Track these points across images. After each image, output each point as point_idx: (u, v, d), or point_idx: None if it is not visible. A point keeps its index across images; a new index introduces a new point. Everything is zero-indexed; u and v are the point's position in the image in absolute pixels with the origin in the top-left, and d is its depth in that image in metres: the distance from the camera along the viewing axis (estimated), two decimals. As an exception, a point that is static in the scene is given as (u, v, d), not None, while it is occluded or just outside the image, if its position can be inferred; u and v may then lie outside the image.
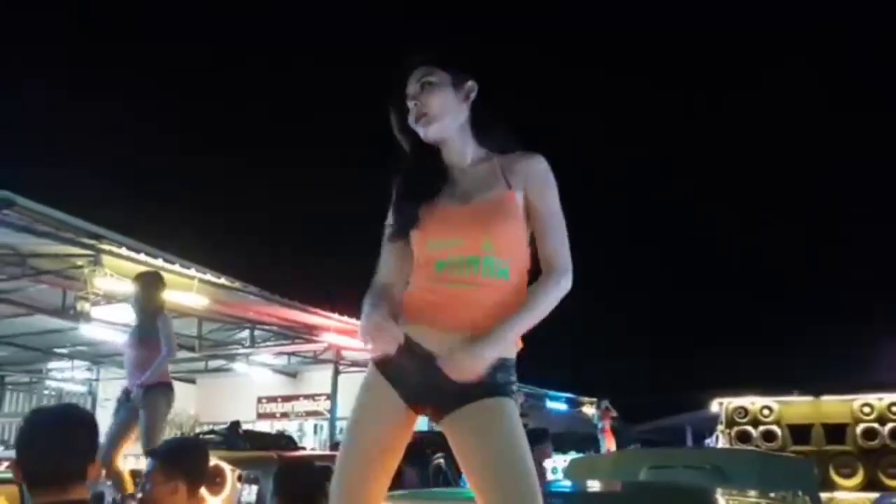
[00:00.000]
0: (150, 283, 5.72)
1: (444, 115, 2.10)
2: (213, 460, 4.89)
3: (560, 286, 2.02)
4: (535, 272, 2.07)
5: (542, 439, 6.78)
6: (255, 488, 5.62)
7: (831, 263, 31.33)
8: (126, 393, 5.43)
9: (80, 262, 8.84)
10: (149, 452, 2.93)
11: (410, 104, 2.10)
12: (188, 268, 9.58)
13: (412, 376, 1.99)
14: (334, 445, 11.18)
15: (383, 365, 2.02)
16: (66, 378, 17.21)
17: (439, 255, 2.01)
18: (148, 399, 5.24)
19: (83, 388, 17.39)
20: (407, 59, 2.17)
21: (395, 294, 2.10)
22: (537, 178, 2.07)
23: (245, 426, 8.75)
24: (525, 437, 1.94)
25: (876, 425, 8.22)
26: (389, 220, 2.14)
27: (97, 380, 16.81)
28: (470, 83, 2.15)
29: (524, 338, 2.06)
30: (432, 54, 2.16)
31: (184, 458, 3.01)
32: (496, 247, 1.99)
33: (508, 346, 1.99)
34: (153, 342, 5.41)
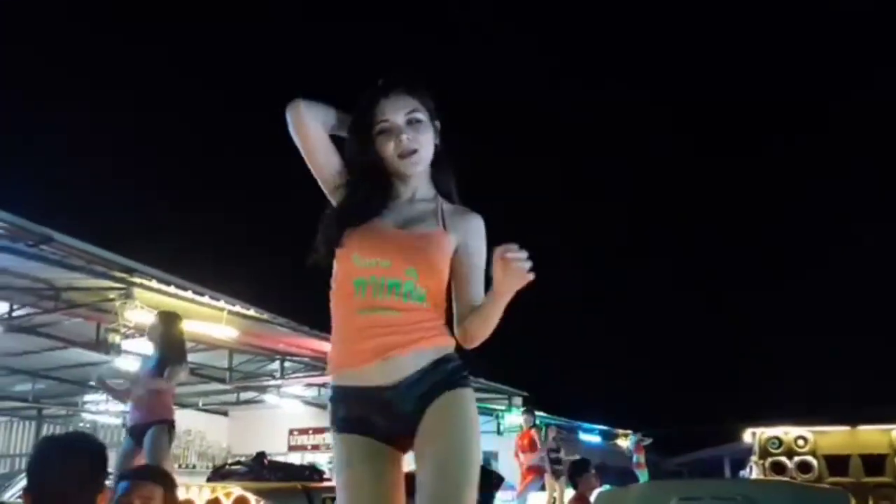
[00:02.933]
0: (168, 321, 5.81)
1: (429, 152, 2.15)
2: (239, 490, 4.90)
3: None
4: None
5: (585, 469, 6.69)
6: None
7: (868, 288, 30.73)
8: (130, 430, 5.49)
9: (111, 295, 8.98)
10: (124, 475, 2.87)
11: (403, 137, 2.09)
12: (217, 300, 9.67)
13: (373, 419, 2.03)
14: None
15: (344, 428, 2.07)
16: (100, 410, 17.38)
17: (361, 273, 2.03)
18: (151, 437, 5.27)
19: (117, 421, 17.54)
20: (381, 81, 2.17)
21: None
22: (476, 232, 2.15)
23: (277, 458, 8.77)
24: (473, 430, 2.00)
25: (915, 456, 7.99)
26: (317, 241, 2.16)
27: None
28: (438, 123, 2.20)
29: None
30: (414, 85, 2.17)
31: (154, 470, 3.05)
32: (419, 274, 2.03)
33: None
34: (161, 382, 5.45)
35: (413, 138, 2.10)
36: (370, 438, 2.02)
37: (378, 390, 2.00)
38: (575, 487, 6.62)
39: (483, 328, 2.06)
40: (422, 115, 2.13)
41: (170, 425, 5.44)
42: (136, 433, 5.42)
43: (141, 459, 5.27)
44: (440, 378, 2.02)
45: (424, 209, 2.15)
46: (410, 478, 2.02)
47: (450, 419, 1.98)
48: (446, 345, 2.08)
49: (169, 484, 2.94)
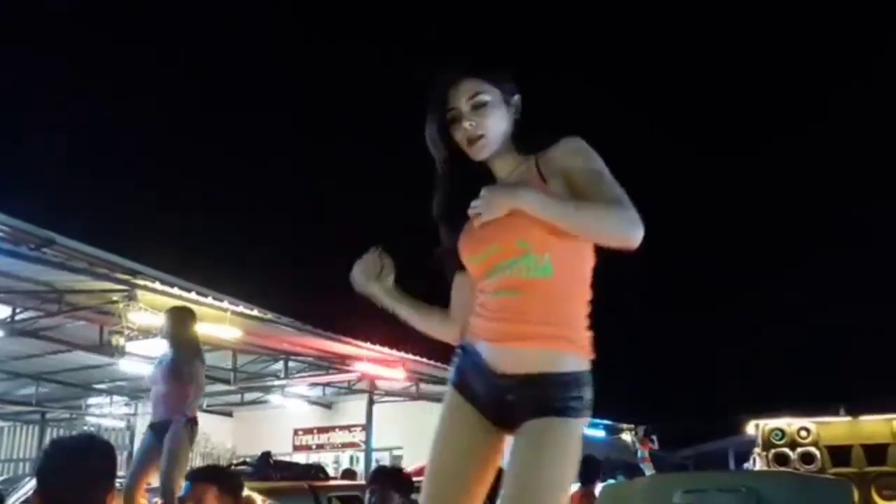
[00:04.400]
0: (180, 318, 5.78)
1: (499, 137, 2.03)
2: (245, 491, 4.92)
3: (625, 216, 1.82)
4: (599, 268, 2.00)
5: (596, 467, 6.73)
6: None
7: (865, 279, 30.75)
8: (151, 426, 5.48)
9: (115, 298, 9.01)
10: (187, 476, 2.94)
11: (466, 124, 2.00)
12: (221, 300, 9.69)
13: (483, 394, 1.97)
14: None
15: (460, 387, 2.01)
16: (104, 413, 17.43)
17: (485, 268, 1.98)
18: (171, 433, 5.27)
19: (122, 424, 17.60)
20: (446, 69, 2.09)
21: (444, 319, 2.17)
22: (568, 152, 1.96)
23: (282, 458, 8.81)
24: (571, 466, 1.87)
25: (918, 445, 8.03)
26: (442, 251, 2.14)
27: (135, 414, 17.02)
28: (517, 98, 2.08)
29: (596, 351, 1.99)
30: (478, 66, 2.07)
31: (216, 472, 3.08)
32: (532, 243, 1.90)
33: (554, 212, 1.83)
34: (182, 378, 5.43)
35: (478, 123, 2.00)
36: (476, 411, 1.98)
37: (494, 373, 1.93)
38: (584, 483, 6.59)
39: (592, 234, 1.88)
40: (487, 97, 2.01)
41: (191, 421, 5.43)
42: (156, 429, 5.41)
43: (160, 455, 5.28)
44: (556, 397, 1.88)
45: (523, 174, 2.02)
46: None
47: (546, 449, 1.84)
48: (580, 356, 1.94)
49: (224, 480, 2.98)
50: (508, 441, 1.97)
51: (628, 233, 1.81)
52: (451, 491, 1.97)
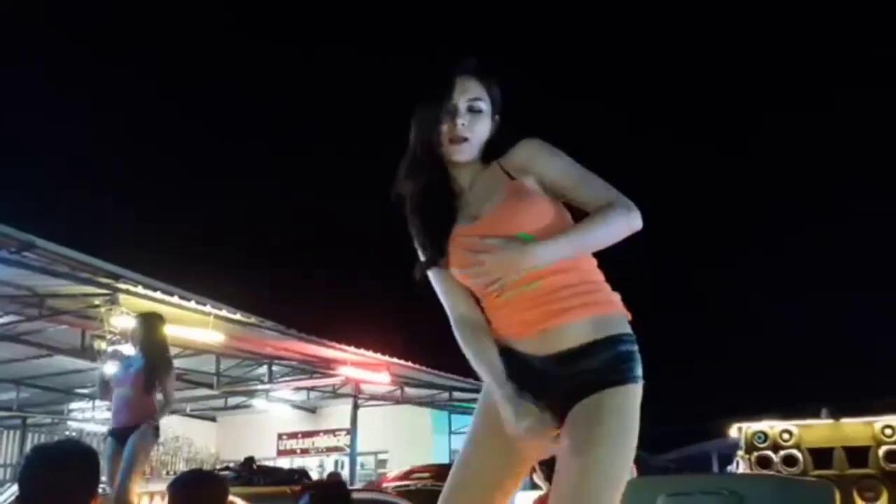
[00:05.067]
0: (150, 323, 5.76)
1: (479, 147, 2.04)
2: (229, 496, 4.89)
3: (620, 211, 1.88)
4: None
5: None
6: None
7: (849, 282, 31.04)
8: (112, 432, 5.46)
9: (97, 302, 8.95)
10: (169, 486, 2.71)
11: (459, 121, 1.99)
12: (203, 304, 9.66)
13: (522, 384, 1.90)
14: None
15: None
16: (87, 418, 17.29)
17: (486, 281, 1.94)
18: (134, 439, 5.25)
19: (104, 428, 17.43)
20: (452, 64, 2.07)
21: (475, 319, 2.02)
22: (534, 154, 1.97)
23: (266, 463, 8.76)
24: (630, 436, 1.82)
25: (898, 447, 8.09)
26: (420, 253, 2.06)
27: (118, 419, 16.89)
28: (498, 118, 2.07)
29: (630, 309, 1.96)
30: (484, 70, 2.06)
31: (203, 489, 2.80)
32: (529, 232, 1.88)
33: (567, 251, 1.86)
34: (150, 388, 5.40)
35: (468, 126, 2.00)
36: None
37: (531, 358, 1.90)
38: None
39: (608, 244, 1.90)
40: (483, 105, 2.02)
41: (155, 428, 5.40)
42: (117, 434, 5.38)
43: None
44: (606, 365, 1.85)
45: (486, 181, 2.02)
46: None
47: (598, 426, 1.78)
48: (609, 313, 1.91)
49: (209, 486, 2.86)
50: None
51: (633, 224, 1.90)
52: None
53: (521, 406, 1.85)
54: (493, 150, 2.05)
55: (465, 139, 2.00)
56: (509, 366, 1.93)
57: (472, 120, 2.00)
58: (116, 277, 8.78)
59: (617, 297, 1.97)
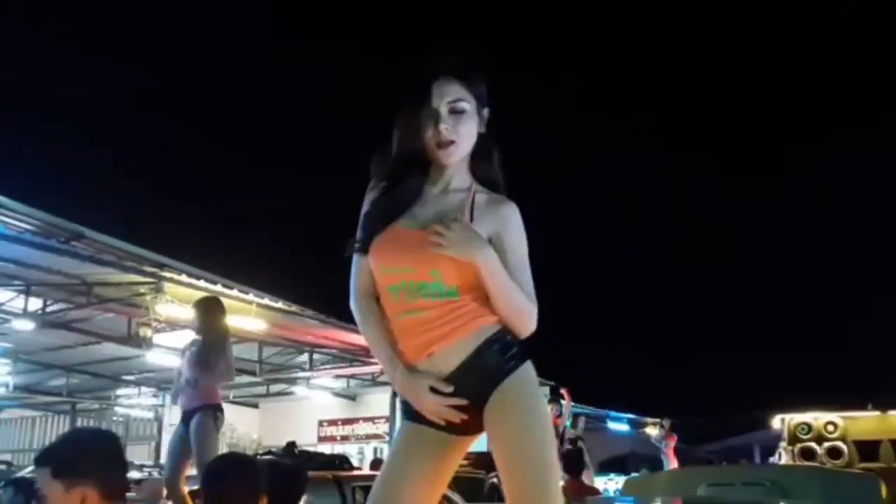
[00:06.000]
0: (209, 308, 5.82)
1: (468, 148, 2.06)
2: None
3: (530, 303, 2.01)
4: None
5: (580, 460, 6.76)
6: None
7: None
8: (183, 416, 5.54)
9: (142, 290, 9.12)
10: (39, 457, 2.30)
11: (442, 127, 1.99)
12: (246, 293, 9.78)
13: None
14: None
15: (406, 415, 2.06)
16: (133, 404, 17.64)
17: (390, 280, 2.00)
18: (197, 422, 5.31)
19: (150, 414, 17.80)
20: (430, 64, 2.07)
21: (373, 299, 2.11)
22: (506, 223, 2.04)
23: (307, 449, 8.86)
24: (544, 418, 1.98)
25: (947, 440, 7.91)
26: (357, 231, 2.11)
27: (163, 405, 17.21)
28: (486, 111, 2.09)
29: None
30: (462, 70, 2.05)
31: (87, 456, 2.26)
32: (443, 274, 1.95)
33: (499, 278, 1.96)
34: (208, 366, 5.47)
35: (452, 129, 2.00)
36: (426, 426, 2.01)
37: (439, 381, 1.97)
38: (571, 474, 6.56)
39: (501, 307, 1.97)
40: (466, 105, 2.01)
41: (216, 410, 5.47)
42: (184, 418, 5.47)
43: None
44: (492, 365, 1.96)
45: (454, 201, 2.05)
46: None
47: (510, 417, 1.92)
48: (488, 324, 1.98)
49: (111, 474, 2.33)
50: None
51: (528, 327, 2.02)
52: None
53: (418, 380, 1.97)
54: (482, 168, 2.10)
55: (451, 142, 2.01)
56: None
57: (455, 122, 2.01)
58: (161, 266, 8.93)
59: (487, 307, 2.01)
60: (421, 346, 1.97)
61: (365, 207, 2.12)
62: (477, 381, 1.95)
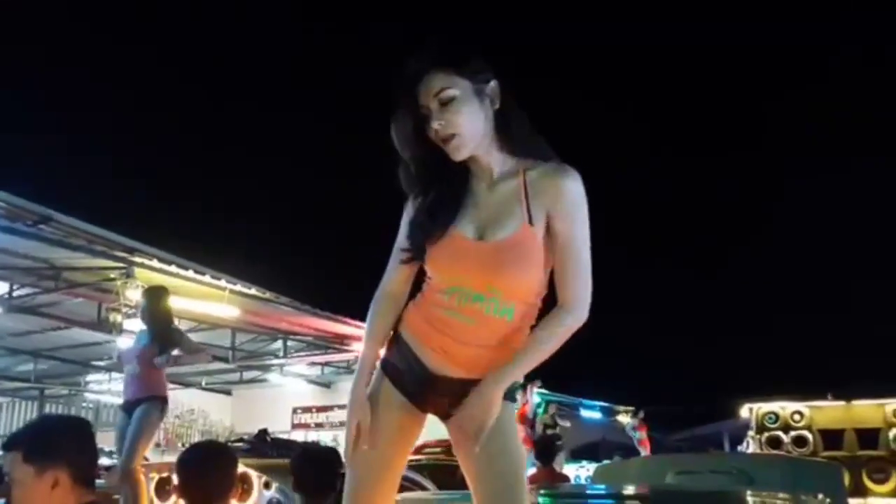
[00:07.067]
0: (152, 297, 5.80)
1: (475, 133, 1.89)
2: (241, 467, 4.97)
3: (565, 325, 1.91)
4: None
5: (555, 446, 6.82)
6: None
7: (863, 266, 30.80)
8: (123, 406, 5.53)
9: (112, 275, 9.02)
10: (9, 441, 2.29)
11: (435, 124, 1.87)
12: (219, 278, 9.71)
13: (413, 389, 2.00)
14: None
15: (387, 369, 2.04)
16: (103, 390, 17.48)
17: (448, 284, 1.95)
18: (143, 410, 5.30)
19: (120, 401, 17.63)
20: (411, 64, 1.90)
21: (399, 304, 2.08)
22: (565, 202, 1.88)
23: (281, 437, 8.85)
24: (517, 440, 1.99)
25: (909, 429, 8.06)
26: (403, 240, 2.03)
27: (134, 392, 17.07)
28: (492, 84, 1.91)
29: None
30: (442, 56, 1.90)
31: (59, 440, 2.28)
32: (503, 291, 1.89)
33: (518, 375, 1.93)
34: (152, 362, 5.45)
35: (448, 122, 1.85)
36: (398, 392, 2.00)
37: (429, 373, 1.97)
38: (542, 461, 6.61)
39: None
40: (455, 91, 1.85)
41: (162, 402, 5.46)
42: (127, 409, 5.45)
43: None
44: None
45: (506, 193, 1.92)
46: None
47: (502, 437, 1.91)
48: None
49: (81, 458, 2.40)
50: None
51: (575, 328, 1.93)
52: (377, 473, 2.00)
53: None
54: (523, 142, 1.95)
55: (453, 135, 1.87)
56: (403, 356, 2.00)
57: (448, 113, 1.86)
58: (132, 251, 8.84)
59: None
60: (446, 345, 1.93)
61: (410, 215, 2.02)
62: (465, 395, 1.90)
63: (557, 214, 1.88)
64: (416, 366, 1.98)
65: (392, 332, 2.07)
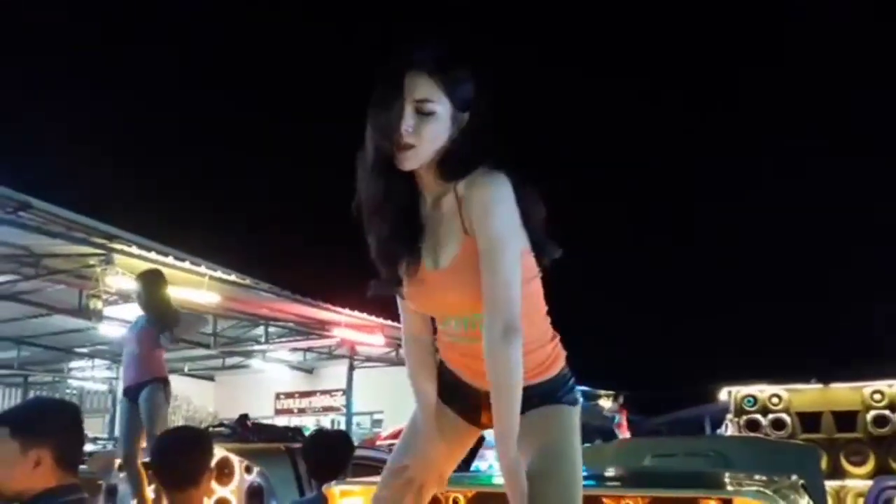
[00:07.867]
0: (150, 281, 5.78)
1: (430, 149, 1.78)
2: (222, 452, 4.97)
3: (512, 352, 1.72)
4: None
5: None
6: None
7: (839, 251, 31.08)
8: (125, 391, 5.51)
9: (92, 262, 8.98)
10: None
11: (403, 126, 1.73)
12: (198, 265, 9.70)
13: (461, 404, 2.00)
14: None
15: (441, 395, 2.03)
16: (86, 377, 17.44)
17: (440, 318, 1.95)
18: (147, 395, 5.30)
19: (104, 387, 17.61)
20: (406, 54, 1.80)
21: (425, 342, 2.03)
22: (476, 207, 1.75)
23: (264, 422, 8.86)
24: (578, 446, 1.89)
25: (887, 412, 8.09)
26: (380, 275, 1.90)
27: (117, 378, 17.02)
28: (467, 115, 1.81)
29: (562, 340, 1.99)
30: (441, 67, 1.78)
31: (47, 420, 2.28)
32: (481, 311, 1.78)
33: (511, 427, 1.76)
34: (153, 342, 5.45)
35: (414, 131, 1.74)
36: (449, 409, 2.01)
37: (470, 387, 1.95)
38: None
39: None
40: (436, 106, 1.75)
41: (164, 383, 5.46)
42: (129, 393, 5.44)
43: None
44: (548, 393, 1.90)
45: (446, 210, 1.82)
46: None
47: (547, 430, 1.85)
48: (560, 367, 1.95)
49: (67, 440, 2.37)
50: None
51: (516, 351, 1.75)
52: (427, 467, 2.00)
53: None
54: (454, 167, 1.80)
55: (410, 146, 1.75)
56: (443, 375, 2.01)
57: (419, 124, 1.74)
58: (111, 237, 8.81)
59: (555, 346, 1.96)
60: (476, 366, 1.84)
61: (370, 239, 1.88)
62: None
63: (472, 223, 1.75)
64: (462, 385, 1.97)
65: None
